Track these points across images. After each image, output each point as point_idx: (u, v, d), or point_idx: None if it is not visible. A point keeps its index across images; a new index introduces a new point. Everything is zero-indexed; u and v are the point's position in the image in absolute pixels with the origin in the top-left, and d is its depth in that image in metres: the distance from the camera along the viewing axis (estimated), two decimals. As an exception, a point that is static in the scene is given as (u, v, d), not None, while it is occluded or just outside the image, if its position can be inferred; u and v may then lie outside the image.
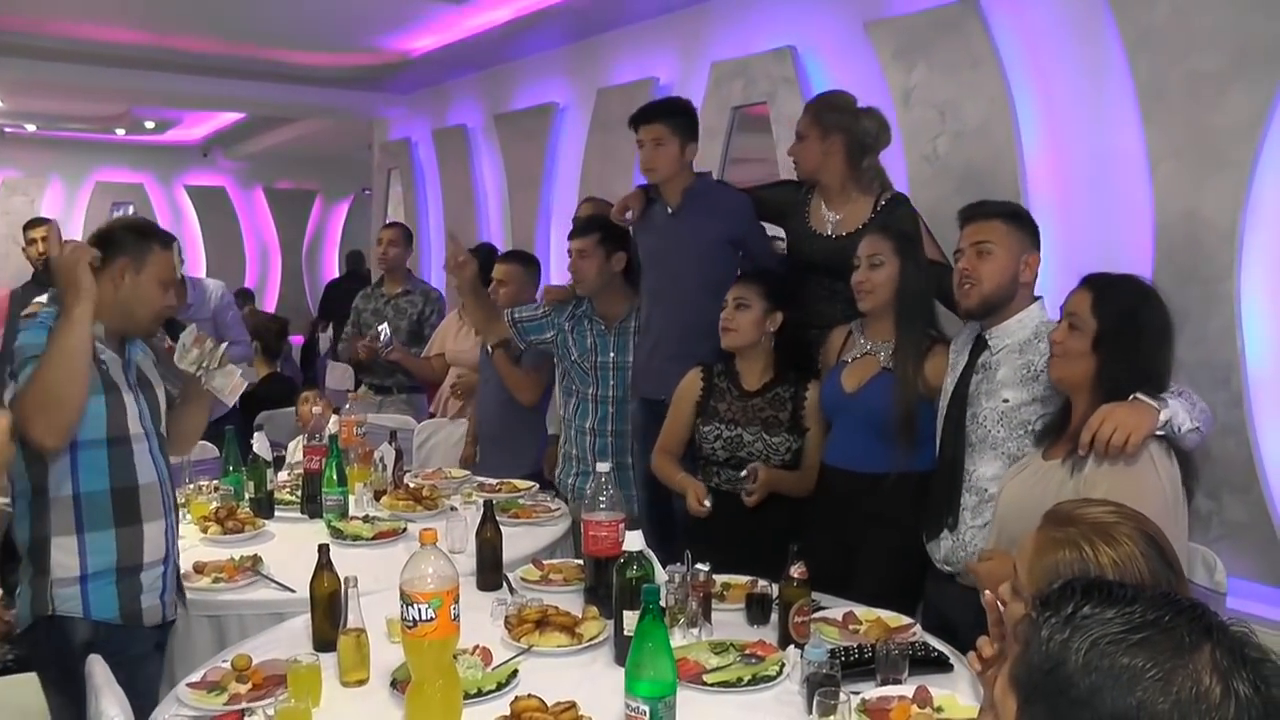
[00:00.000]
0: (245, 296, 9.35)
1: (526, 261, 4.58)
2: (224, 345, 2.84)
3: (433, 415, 5.16)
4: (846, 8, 4.09)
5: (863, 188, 3.26)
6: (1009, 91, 3.45)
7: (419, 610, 1.85)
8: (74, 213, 11.26)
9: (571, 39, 5.81)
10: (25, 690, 2.59)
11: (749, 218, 3.51)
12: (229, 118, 10.01)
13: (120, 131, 10.80)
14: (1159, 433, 2.16)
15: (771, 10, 4.48)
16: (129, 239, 2.52)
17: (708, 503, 3.00)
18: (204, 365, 2.73)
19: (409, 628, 1.87)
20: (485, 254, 5.11)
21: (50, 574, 2.39)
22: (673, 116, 3.49)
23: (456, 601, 1.90)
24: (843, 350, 3.03)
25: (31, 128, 10.61)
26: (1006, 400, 2.56)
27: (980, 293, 2.57)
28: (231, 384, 2.77)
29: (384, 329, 5.13)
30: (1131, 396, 2.18)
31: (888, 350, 2.90)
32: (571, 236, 3.80)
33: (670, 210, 3.53)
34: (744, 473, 2.98)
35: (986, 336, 2.62)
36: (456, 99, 7.14)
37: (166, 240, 2.60)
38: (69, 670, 2.33)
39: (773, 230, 3.58)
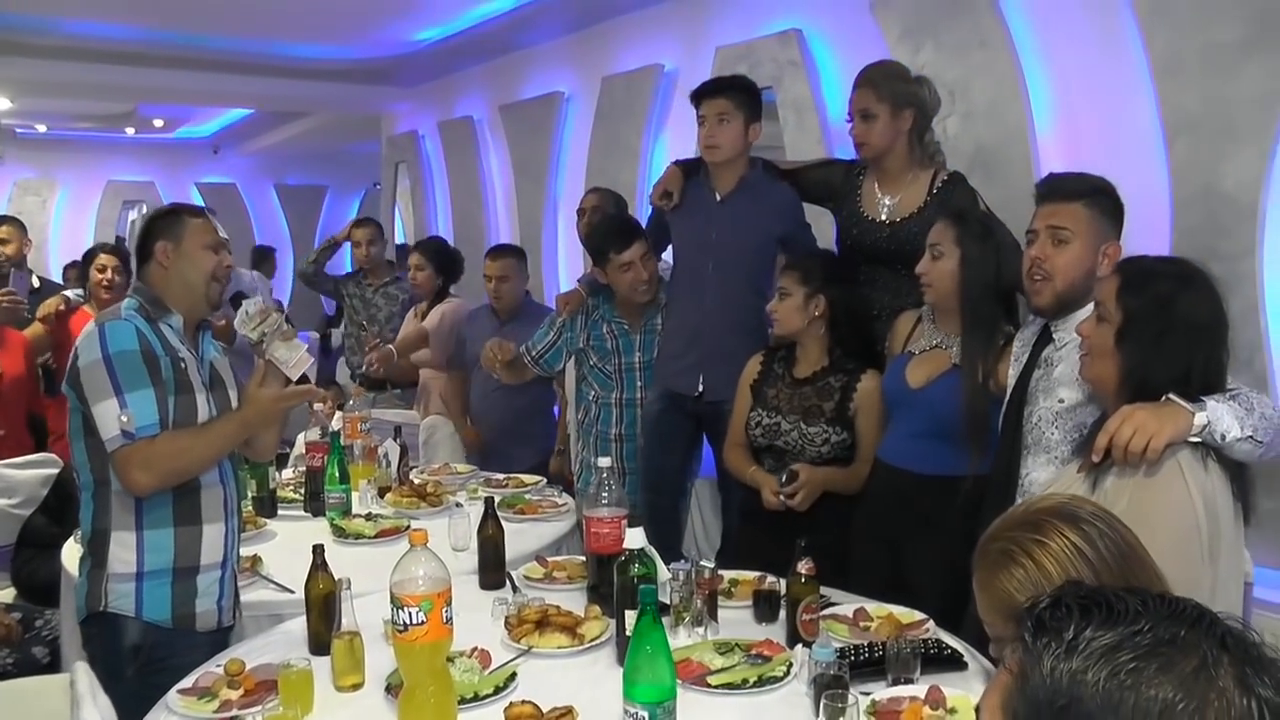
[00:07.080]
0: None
1: (520, 254, 4.57)
2: (284, 316, 2.77)
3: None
4: (853, -13, 3.99)
5: (923, 164, 3.09)
6: (1019, 70, 3.35)
7: (409, 614, 1.80)
8: (85, 212, 11.26)
9: (576, 27, 5.74)
10: (56, 692, 2.45)
11: (799, 217, 3.36)
12: (237, 114, 9.98)
13: (129, 130, 10.79)
14: (1194, 439, 1.86)
15: (776, -8, 4.39)
16: (159, 223, 2.53)
17: (783, 497, 2.89)
18: (265, 332, 2.64)
19: (400, 632, 1.82)
20: (440, 248, 5.07)
21: (107, 568, 2.39)
22: (739, 92, 3.31)
23: (449, 604, 1.84)
24: (910, 339, 2.85)
25: (42, 128, 10.61)
26: (1062, 400, 2.31)
27: (1053, 289, 2.28)
28: (296, 357, 2.64)
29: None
30: (1164, 397, 1.88)
31: (959, 345, 2.69)
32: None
33: (719, 198, 3.34)
34: (784, 476, 2.89)
35: (1052, 328, 2.37)
36: (462, 90, 7.08)
37: (195, 210, 2.63)
38: (115, 670, 2.30)
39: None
